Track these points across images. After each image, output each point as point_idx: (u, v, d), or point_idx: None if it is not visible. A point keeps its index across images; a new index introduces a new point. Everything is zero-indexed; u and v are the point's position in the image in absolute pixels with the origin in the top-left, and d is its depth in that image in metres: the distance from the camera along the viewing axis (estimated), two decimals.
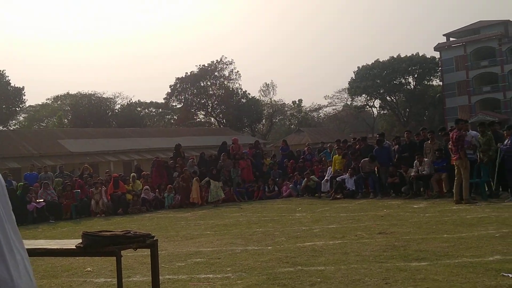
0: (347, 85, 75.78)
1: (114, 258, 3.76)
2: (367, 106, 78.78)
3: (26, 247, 3.69)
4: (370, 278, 5.59)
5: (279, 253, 7.40)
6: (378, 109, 79.53)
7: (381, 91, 71.44)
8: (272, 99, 78.30)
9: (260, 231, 9.88)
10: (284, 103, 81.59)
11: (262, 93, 76.81)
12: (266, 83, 77.94)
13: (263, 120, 79.29)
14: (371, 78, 69.69)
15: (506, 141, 11.71)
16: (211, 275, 6.34)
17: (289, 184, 17.66)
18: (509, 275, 5.24)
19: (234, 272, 6.39)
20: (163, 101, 72.33)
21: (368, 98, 74.54)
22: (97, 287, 6.24)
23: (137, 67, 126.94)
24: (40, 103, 67.58)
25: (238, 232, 9.97)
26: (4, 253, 1.55)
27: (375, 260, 6.45)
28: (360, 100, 77.11)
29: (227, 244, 8.67)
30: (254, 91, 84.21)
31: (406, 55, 69.64)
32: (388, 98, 73.20)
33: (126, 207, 16.46)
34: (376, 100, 75.42)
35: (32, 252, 3.81)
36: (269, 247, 8.00)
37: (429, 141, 14.30)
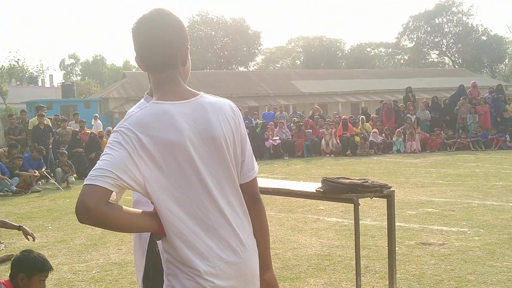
0: None
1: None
2: None
3: (271, 186, 4.00)
4: None
5: None
6: None
7: None
8: None
9: (500, 185, 9.06)
10: None
11: (508, 29, 68.80)
12: None
13: (506, 60, 71.33)
14: None
15: None
16: (444, 228, 6.09)
17: None
18: None
19: (470, 227, 6.03)
20: (394, 41, 70.20)
21: None
22: (329, 225, 6.54)
23: (364, 10, 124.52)
24: (276, 46, 71.85)
25: (474, 184, 9.31)
26: (210, 228, 1.61)
27: None
28: None
29: (462, 196, 8.18)
30: (497, 28, 75.50)
31: None
32: None
33: (354, 148, 16.72)
34: None
35: (277, 192, 4.14)
36: (511, 204, 7.30)
37: None
